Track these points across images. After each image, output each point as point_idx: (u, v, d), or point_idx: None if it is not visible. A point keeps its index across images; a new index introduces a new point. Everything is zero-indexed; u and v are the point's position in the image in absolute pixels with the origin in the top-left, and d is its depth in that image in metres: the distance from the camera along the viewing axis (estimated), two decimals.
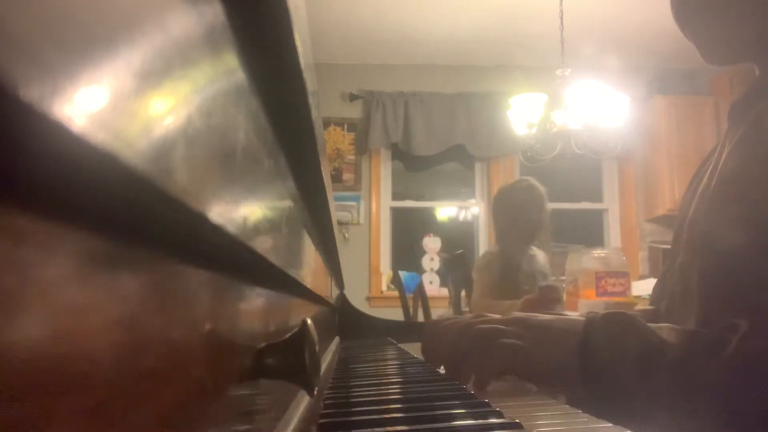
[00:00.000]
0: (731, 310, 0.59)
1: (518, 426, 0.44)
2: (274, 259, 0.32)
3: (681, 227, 0.77)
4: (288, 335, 0.36)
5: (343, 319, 1.74)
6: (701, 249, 0.68)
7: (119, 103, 0.13)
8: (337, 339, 1.50)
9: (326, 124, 4.15)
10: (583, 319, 0.65)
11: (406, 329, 1.84)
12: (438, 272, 4.18)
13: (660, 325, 0.63)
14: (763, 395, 0.52)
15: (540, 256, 2.49)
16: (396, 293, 3.25)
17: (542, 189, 2.46)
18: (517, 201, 2.45)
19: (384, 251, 4.25)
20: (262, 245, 0.29)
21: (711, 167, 0.73)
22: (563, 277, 2.26)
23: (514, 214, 2.44)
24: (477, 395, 0.59)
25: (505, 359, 0.65)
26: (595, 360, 0.61)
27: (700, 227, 0.69)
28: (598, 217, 4.45)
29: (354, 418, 0.49)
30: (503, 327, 0.67)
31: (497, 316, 0.72)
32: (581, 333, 0.63)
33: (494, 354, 0.65)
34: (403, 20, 3.80)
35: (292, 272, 0.42)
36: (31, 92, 0.10)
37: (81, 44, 0.11)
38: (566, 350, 0.63)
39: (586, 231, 4.34)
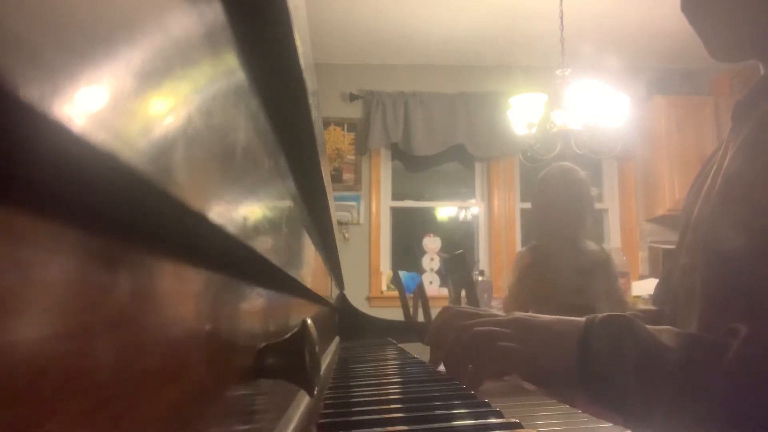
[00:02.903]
0: (733, 314, 0.58)
1: (518, 426, 0.44)
2: (274, 259, 0.32)
3: (685, 228, 0.76)
4: (288, 335, 0.36)
5: (343, 319, 1.74)
6: (704, 251, 0.68)
7: (119, 103, 0.13)
8: (337, 339, 1.50)
9: (326, 124, 4.15)
10: (582, 321, 0.64)
11: (406, 329, 1.84)
12: (438, 272, 4.18)
13: (659, 327, 0.62)
14: (763, 400, 0.52)
15: (599, 249, 2.18)
16: (396, 293, 3.25)
17: (582, 173, 2.21)
18: (552, 188, 2.19)
19: (384, 251, 4.25)
20: (262, 245, 0.29)
21: (715, 168, 0.73)
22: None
23: (549, 201, 2.18)
24: (476, 395, 0.59)
25: (501, 362, 0.65)
26: (593, 363, 0.61)
27: (704, 229, 0.69)
28: (598, 217, 4.45)
29: (354, 418, 0.49)
30: (500, 329, 0.66)
31: (499, 314, 0.72)
32: (580, 336, 0.62)
33: (491, 357, 0.65)
34: (403, 20, 3.81)
35: (292, 272, 0.42)
36: (31, 92, 0.10)
37: (81, 44, 0.11)
38: (565, 353, 0.63)
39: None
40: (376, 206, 4.25)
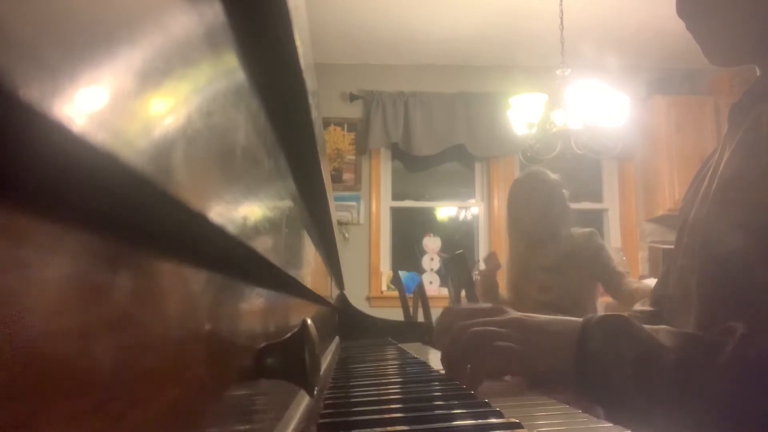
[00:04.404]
0: (729, 314, 0.59)
1: (518, 426, 0.44)
2: (274, 259, 0.32)
3: (682, 230, 0.77)
4: (288, 335, 0.36)
5: (343, 319, 1.74)
6: (700, 253, 0.68)
7: (119, 103, 0.13)
8: (337, 339, 1.50)
9: (326, 124, 4.15)
10: (580, 321, 0.65)
11: (406, 329, 1.85)
12: (438, 272, 4.18)
13: (657, 327, 0.62)
14: (760, 398, 0.52)
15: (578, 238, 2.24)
16: (396, 293, 3.26)
17: (552, 176, 2.29)
18: (519, 193, 2.30)
19: (384, 251, 4.25)
20: (262, 245, 0.29)
21: (711, 170, 0.73)
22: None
23: (517, 206, 2.30)
24: (476, 395, 0.59)
25: (499, 362, 0.65)
26: (591, 363, 0.61)
27: (700, 231, 0.69)
28: (598, 217, 4.45)
29: (354, 418, 0.49)
30: (498, 329, 0.66)
31: (505, 309, 0.72)
32: (577, 336, 0.63)
33: (488, 357, 0.65)
34: (403, 20, 3.80)
35: (292, 272, 0.42)
36: (31, 92, 0.10)
37: (81, 44, 0.11)
38: (562, 353, 0.63)
39: None
40: (376, 206, 4.25)
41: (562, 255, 2.19)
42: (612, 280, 2.23)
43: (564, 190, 2.29)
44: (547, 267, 2.19)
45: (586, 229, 2.31)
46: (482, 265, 2.39)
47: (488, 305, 0.77)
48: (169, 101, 0.16)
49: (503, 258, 2.42)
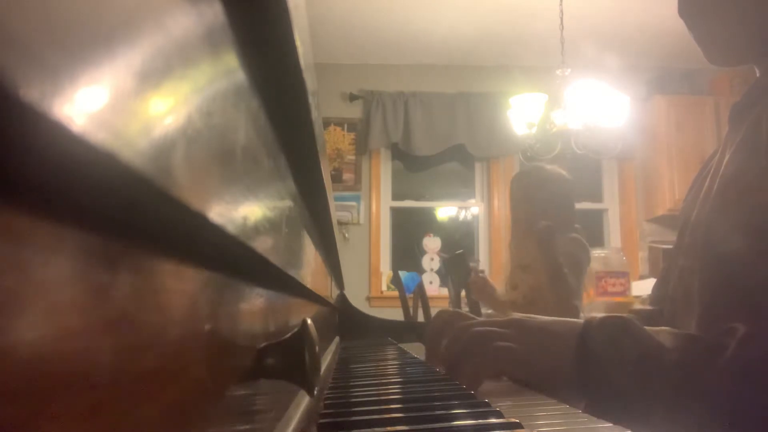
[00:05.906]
0: (731, 315, 0.59)
1: (518, 426, 0.44)
2: (274, 259, 0.32)
3: (683, 230, 0.77)
4: (288, 335, 0.36)
5: (343, 319, 1.74)
6: (702, 253, 0.68)
7: (119, 103, 0.13)
8: (337, 339, 1.50)
9: (326, 124, 4.15)
10: (581, 322, 0.65)
11: (406, 329, 1.85)
12: (438, 272, 4.18)
13: (658, 328, 0.62)
14: (761, 400, 0.52)
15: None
16: (396, 293, 3.25)
17: (548, 172, 2.17)
18: (511, 192, 2.25)
19: (384, 251, 4.25)
20: (262, 245, 0.29)
21: (713, 170, 0.73)
22: None
23: (513, 204, 2.24)
24: (476, 395, 0.59)
25: (499, 362, 0.65)
26: (591, 364, 0.61)
27: (702, 231, 0.69)
28: (598, 217, 4.45)
29: (354, 418, 0.49)
30: (499, 330, 0.66)
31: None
32: (578, 337, 0.62)
33: (489, 357, 0.65)
34: (403, 20, 3.80)
35: (292, 272, 0.42)
36: (31, 92, 0.10)
37: (81, 44, 0.11)
38: (562, 354, 0.63)
39: (586, 231, 4.30)
40: (376, 206, 4.25)
41: (538, 254, 2.09)
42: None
43: (563, 186, 2.16)
44: (525, 265, 2.14)
45: (573, 235, 2.16)
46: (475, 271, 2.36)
47: (481, 319, 0.77)
48: (169, 101, 0.16)
49: (503, 257, 2.42)
